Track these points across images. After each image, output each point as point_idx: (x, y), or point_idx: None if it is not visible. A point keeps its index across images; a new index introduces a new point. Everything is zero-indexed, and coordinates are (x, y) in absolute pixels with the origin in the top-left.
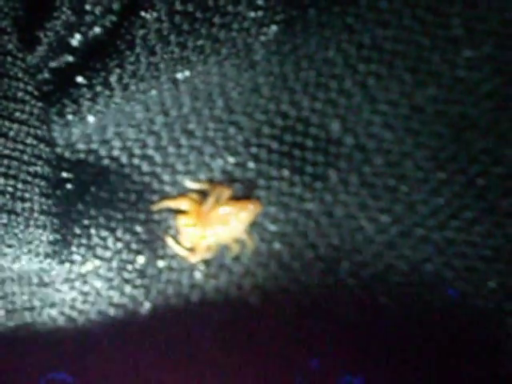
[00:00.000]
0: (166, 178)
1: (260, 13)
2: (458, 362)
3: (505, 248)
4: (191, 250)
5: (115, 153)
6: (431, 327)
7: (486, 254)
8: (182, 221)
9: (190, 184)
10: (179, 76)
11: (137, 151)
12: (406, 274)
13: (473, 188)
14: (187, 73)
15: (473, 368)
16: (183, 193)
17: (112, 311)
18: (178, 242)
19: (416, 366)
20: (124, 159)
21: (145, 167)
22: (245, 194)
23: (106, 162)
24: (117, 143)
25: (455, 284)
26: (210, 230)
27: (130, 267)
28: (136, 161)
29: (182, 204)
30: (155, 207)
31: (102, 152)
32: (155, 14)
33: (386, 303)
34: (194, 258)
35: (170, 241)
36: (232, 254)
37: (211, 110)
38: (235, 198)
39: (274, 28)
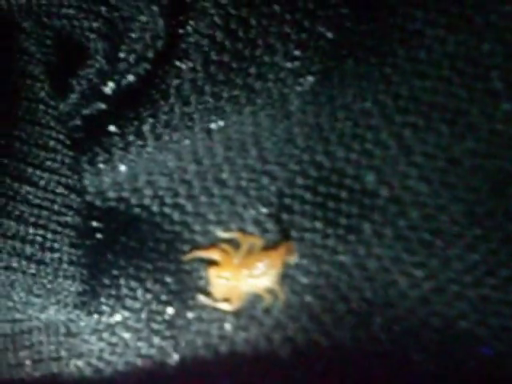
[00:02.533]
0: (197, 227)
1: (297, 63)
2: None
3: None
4: (223, 300)
5: (146, 201)
6: None
7: None
8: (213, 272)
9: (221, 233)
10: (213, 126)
11: (168, 200)
12: (439, 331)
13: (509, 245)
14: (221, 123)
15: None
16: (214, 243)
17: (140, 362)
18: (208, 294)
19: None
20: (155, 208)
21: (176, 216)
22: (277, 245)
23: (136, 210)
24: (148, 192)
25: (490, 343)
26: (243, 281)
27: (159, 318)
28: (167, 210)
29: (213, 254)
30: (186, 257)
31: (133, 200)
32: (190, 64)
33: (418, 360)
34: (225, 308)
35: (200, 295)
36: (264, 305)
37: (244, 160)
38: (267, 249)
39: (310, 79)
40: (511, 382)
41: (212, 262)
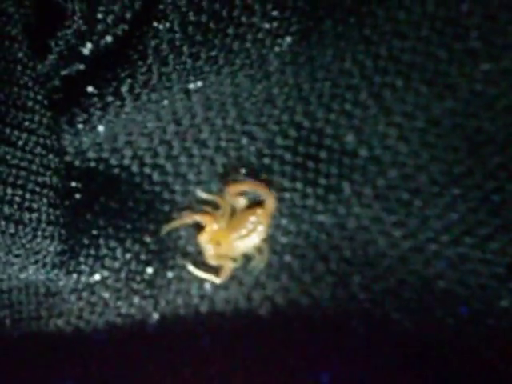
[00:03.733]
0: (177, 187)
1: (274, 24)
2: (468, 380)
3: None
4: (216, 269)
5: (126, 162)
6: (442, 344)
7: (499, 271)
8: (204, 238)
9: (203, 195)
10: (191, 86)
11: (148, 160)
12: (417, 290)
13: (488, 204)
14: (200, 83)
15: None
16: (195, 205)
17: (120, 322)
18: (187, 254)
19: (426, 382)
20: (135, 168)
21: (156, 177)
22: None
23: (116, 170)
24: (128, 152)
25: (467, 301)
26: (233, 244)
27: (138, 278)
28: (147, 170)
29: (198, 218)
30: (172, 225)
31: (113, 161)
32: (168, 25)
33: (397, 318)
34: (219, 279)
35: (191, 267)
36: (252, 264)
37: (224, 120)
38: (252, 206)
39: (288, 39)
40: (487, 341)
41: (199, 227)
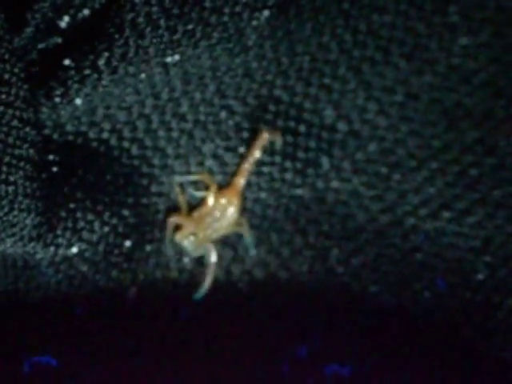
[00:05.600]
0: (156, 161)
1: None
2: (446, 354)
3: (495, 240)
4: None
5: (104, 135)
6: (420, 317)
7: (475, 245)
8: (180, 236)
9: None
10: (169, 60)
11: (126, 134)
12: (395, 263)
13: (465, 178)
14: (177, 57)
15: (460, 359)
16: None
17: (98, 295)
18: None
19: (403, 356)
20: (113, 142)
21: (134, 150)
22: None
23: (94, 144)
24: (106, 125)
25: (444, 275)
26: (210, 229)
27: (116, 251)
28: (125, 144)
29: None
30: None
31: (91, 134)
32: None
33: (375, 292)
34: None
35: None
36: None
37: (203, 94)
38: (221, 188)
39: (266, 13)
40: (464, 313)
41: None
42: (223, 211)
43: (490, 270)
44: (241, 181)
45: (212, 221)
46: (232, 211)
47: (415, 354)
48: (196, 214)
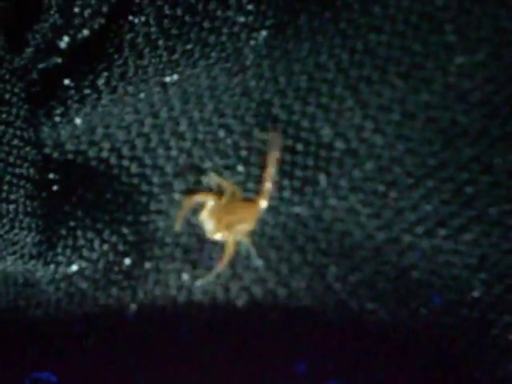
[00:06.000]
0: (155, 179)
1: (250, 18)
2: (442, 370)
3: (490, 257)
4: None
5: (104, 154)
6: (416, 334)
7: (471, 262)
8: (203, 215)
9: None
10: (168, 79)
11: (126, 153)
12: (392, 281)
13: (461, 196)
14: (176, 76)
15: (455, 376)
16: (171, 195)
17: (97, 313)
18: (165, 245)
19: (400, 371)
20: (113, 160)
21: (133, 169)
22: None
23: (94, 163)
24: (106, 144)
25: (441, 292)
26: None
27: (116, 269)
28: (125, 162)
29: (200, 198)
30: (187, 201)
31: (91, 153)
32: (143, 18)
33: (372, 309)
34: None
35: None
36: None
37: (201, 113)
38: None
39: (264, 33)
40: (460, 331)
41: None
42: (244, 218)
43: (486, 287)
44: (268, 186)
45: (235, 219)
46: (253, 213)
47: (411, 369)
48: (224, 201)
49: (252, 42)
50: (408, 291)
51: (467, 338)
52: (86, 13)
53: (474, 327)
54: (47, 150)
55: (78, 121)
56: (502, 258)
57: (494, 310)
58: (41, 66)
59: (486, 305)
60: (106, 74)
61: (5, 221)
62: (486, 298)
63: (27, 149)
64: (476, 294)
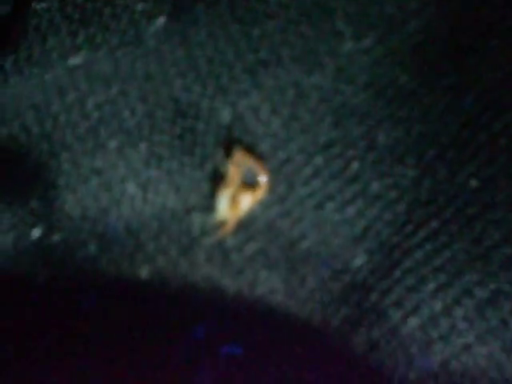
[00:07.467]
0: (65, 156)
1: (148, 5)
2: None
3: (372, 228)
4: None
5: (14, 132)
6: (304, 300)
7: (356, 233)
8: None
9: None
10: (72, 62)
11: (35, 131)
12: (284, 250)
13: (348, 171)
14: (79, 59)
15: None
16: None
17: (7, 282)
18: (71, 218)
19: (290, 334)
20: (23, 139)
21: (43, 146)
22: None
23: (4, 141)
24: (16, 123)
25: (327, 261)
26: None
27: (25, 240)
28: (34, 140)
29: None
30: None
31: (1, 131)
32: (46, 5)
33: (265, 277)
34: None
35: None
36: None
37: (107, 94)
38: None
39: (162, 19)
40: (343, 294)
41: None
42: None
43: (368, 256)
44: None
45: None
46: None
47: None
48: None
49: (152, 28)
50: (298, 260)
51: (350, 303)
52: None
53: (356, 293)
54: None
55: None
56: (383, 228)
57: (374, 276)
58: None
59: (367, 272)
60: (12, 57)
61: None
62: (367, 265)
63: None
64: (358, 262)
